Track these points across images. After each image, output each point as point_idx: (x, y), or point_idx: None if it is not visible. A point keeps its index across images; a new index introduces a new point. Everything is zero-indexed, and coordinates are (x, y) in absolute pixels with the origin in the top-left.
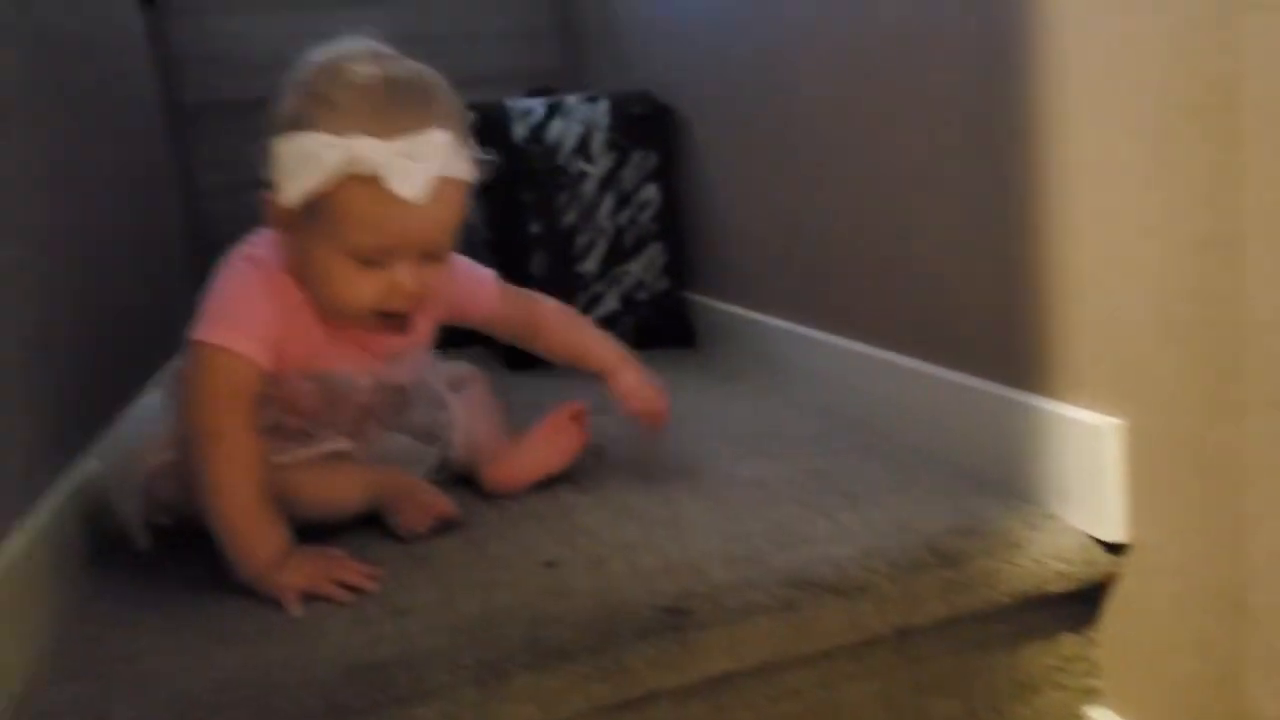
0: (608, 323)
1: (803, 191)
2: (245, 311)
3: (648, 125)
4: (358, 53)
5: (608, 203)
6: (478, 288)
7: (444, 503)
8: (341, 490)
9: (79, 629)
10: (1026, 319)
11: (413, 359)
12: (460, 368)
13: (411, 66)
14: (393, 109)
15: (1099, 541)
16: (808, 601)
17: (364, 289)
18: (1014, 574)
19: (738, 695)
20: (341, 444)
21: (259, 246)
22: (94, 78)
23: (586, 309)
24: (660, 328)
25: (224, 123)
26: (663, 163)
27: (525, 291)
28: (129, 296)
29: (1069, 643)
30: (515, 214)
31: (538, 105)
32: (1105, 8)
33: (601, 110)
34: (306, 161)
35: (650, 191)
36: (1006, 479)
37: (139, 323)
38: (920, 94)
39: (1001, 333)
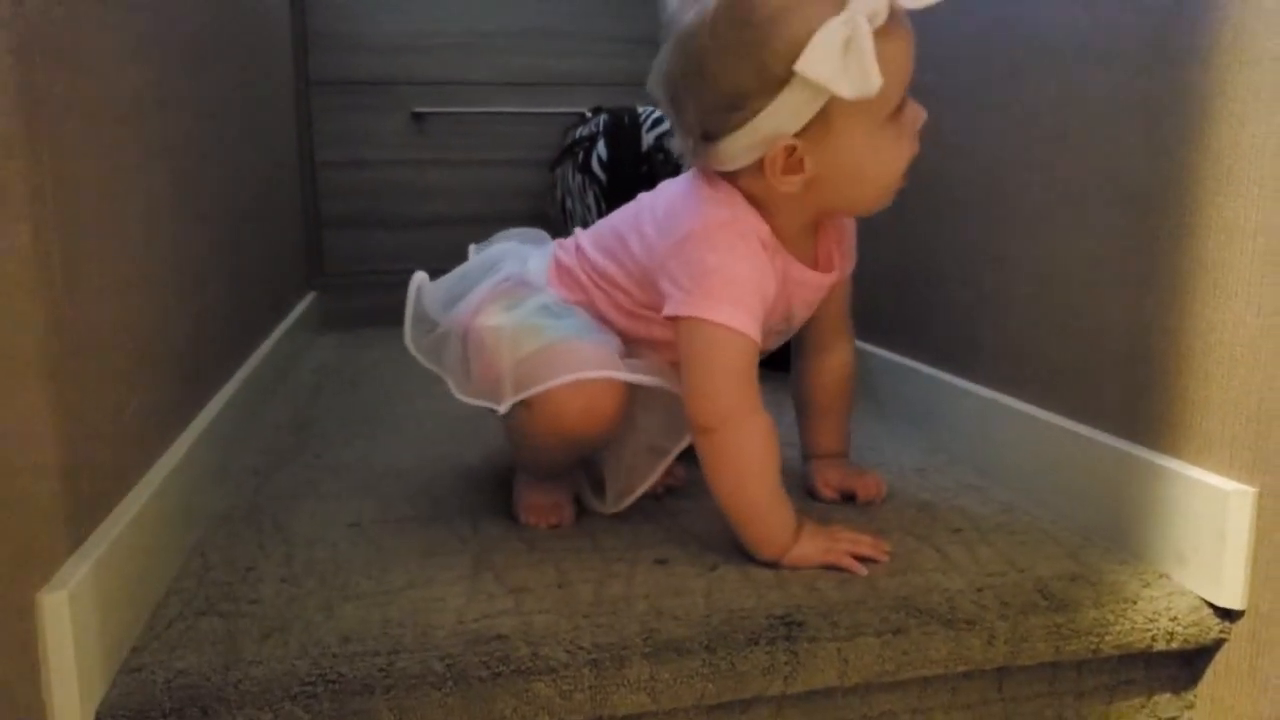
0: None
1: (920, 218)
2: (746, 289)
3: None
4: None
5: None
6: (850, 248)
7: None
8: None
9: (205, 573)
10: (1163, 377)
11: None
12: None
13: None
14: None
15: (1212, 606)
16: (916, 628)
17: (902, 147)
18: (1123, 627)
19: (834, 710)
20: None
21: (718, 205)
22: (243, 45)
23: None
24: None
25: (346, 99)
26: None
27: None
28: (253, 255)
29: (1166, 703)
30: None
31: None
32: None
33: None
34: (841, 53)
35: None
36: (1120, 533)
37: (260, 278)
38: (1063, 138)
39: (1132, 387)
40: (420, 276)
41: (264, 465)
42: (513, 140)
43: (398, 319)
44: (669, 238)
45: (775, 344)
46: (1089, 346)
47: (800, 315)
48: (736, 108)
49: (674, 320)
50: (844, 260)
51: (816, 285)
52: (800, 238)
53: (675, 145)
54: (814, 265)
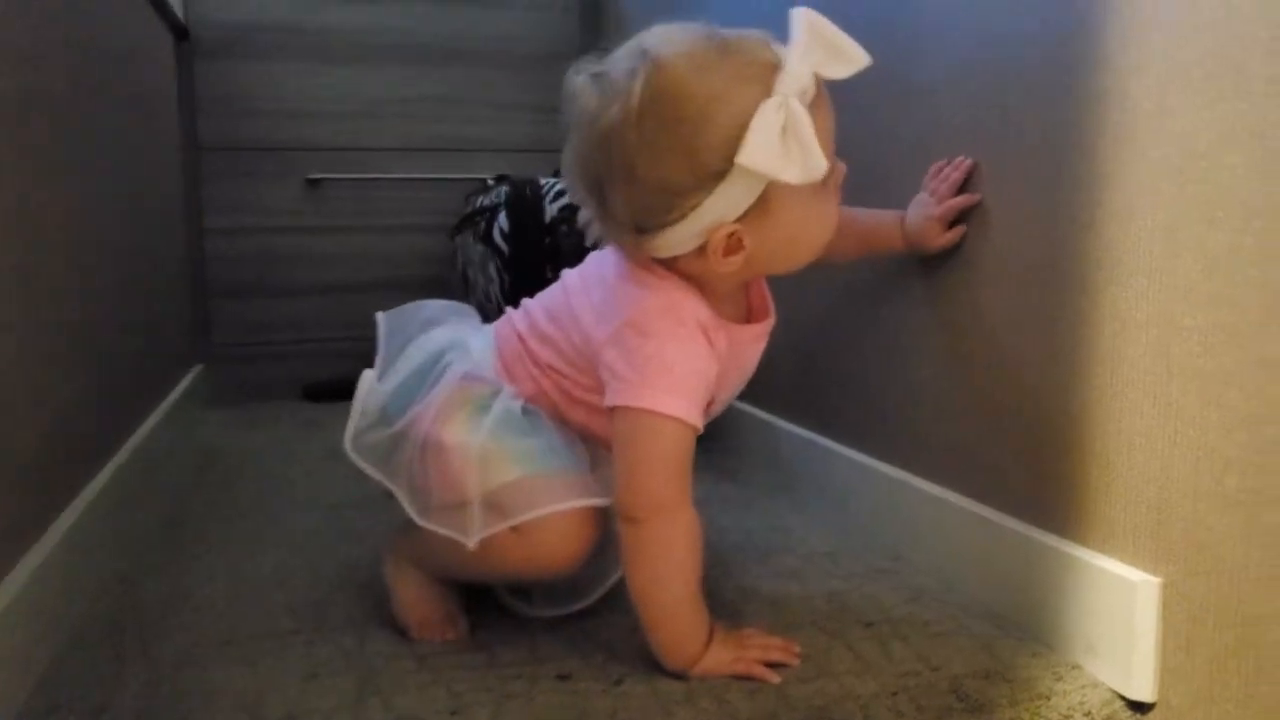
0: None
1: (828, 300)
2: (687, 376)
3: None
4: (684, 40)
5: None
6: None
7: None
8: None
9: (47, 718)
10: (1065, 464)
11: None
12: None
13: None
14: (746, 42)
15: (1124, 699)
16: None
17: (832, 208)
18: None
19: None
20: None
21: (655, 291)
22: (123, 106)
23: None
24: None
25: (237, 165)
26: None
27: None
28: (129, 331)
29: None
30: (540, 288)
31: None
32: (1166, 173)
33: None
34: (781, 140)
35: None
36: (1032, 621)
37: (137, 357)
38: (976, 227)
39: (1036, 472)
40: (370, 376)
41: (133, 571)
42: (412, 206)
43: (289, 392)
44: (606, 325)
45: (719, 412)
46: (992, 429)
47: (747, 372)
48: (672, 206)
49: (613, 410)
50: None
51: (756, 336)
52: (734, 297)
53: (594, 230)
54: (748, 318)
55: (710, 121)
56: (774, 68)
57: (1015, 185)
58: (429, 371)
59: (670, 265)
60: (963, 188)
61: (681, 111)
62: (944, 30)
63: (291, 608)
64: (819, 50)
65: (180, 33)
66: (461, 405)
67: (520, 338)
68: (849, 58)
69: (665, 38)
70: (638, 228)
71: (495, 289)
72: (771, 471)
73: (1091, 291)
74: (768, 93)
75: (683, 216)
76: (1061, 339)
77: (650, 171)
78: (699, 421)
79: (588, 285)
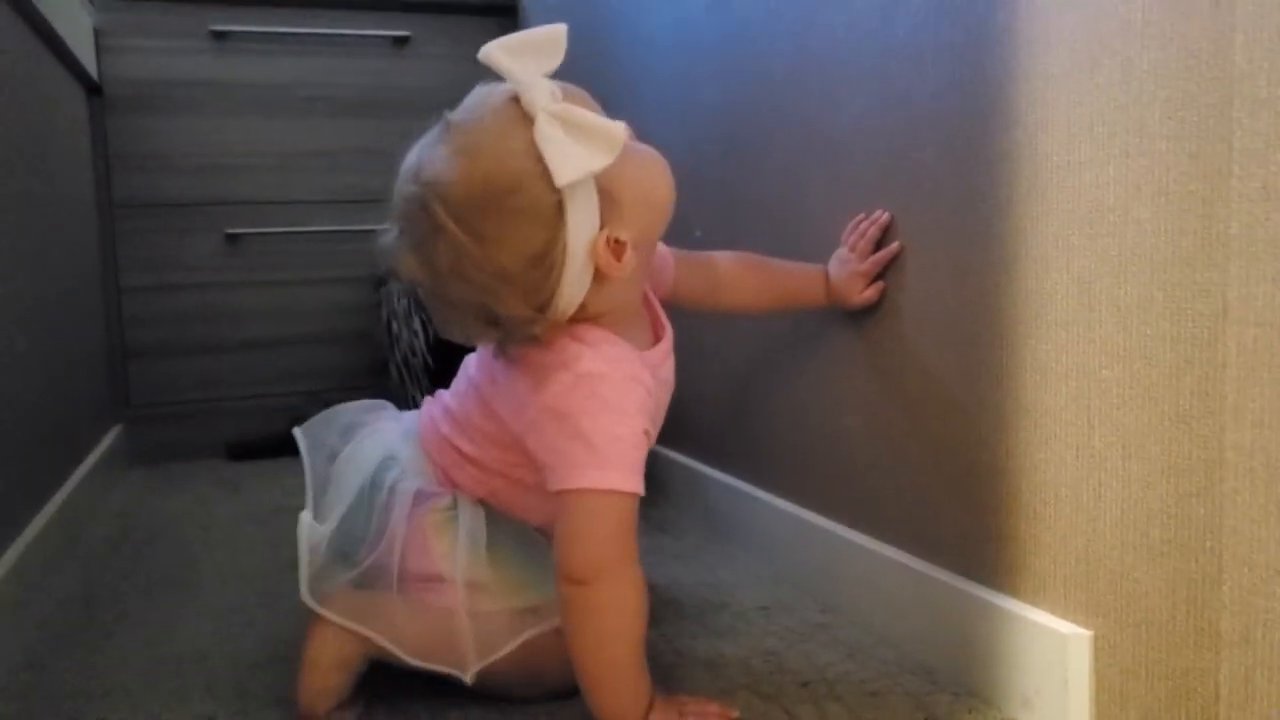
0: None
1: (756, 346)
2: (628, 442)
3: None
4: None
5: None
6: (663, 259)
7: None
8: None
9: None
10: (993, 515)
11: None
12: None
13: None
14: (478, 107)
15: None
16: None
17: (644, 151)
18: None
19: None
20: None
21: (577, 360)
22: (32, 163)
23: None
24: None
25: (154, 221)
26: None
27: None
28: (38, 397)
29: None
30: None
31: None
32: (1099, 229)
33: None
34: (572, 141)
35: None
36: (966, 675)
37: (48, 422)
38: (897, 278)
39: (967, 525)
40: (307, 519)
41: (44, 654)
42: (334, 259)
43: (210, 451)
44: (520, 414)
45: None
46: (920, 479)
47: (671, 390)
48: (545, 263)
49: (559, 493)
50: (659, 271)
51: (666, 353)
52: (639, 321)
53: (506, 349)
54: (656, 339)
55: (514, 178)
56: (514, 101)
57: (932, 237)
58: (372, 495)
59: (578, 320)
60: (880, 242)
61: (490, 199)
62: (856, 85)
63: (210, 688)
64: (528, 60)
65: (92, 88)
66: (433, 533)
67: (453, 447)
68: (550, 44)
69: (427, 161)
70: (539, 309)
71: (420, 343)
72: (702, 522)
73: (1012, 343)
74: (531, 121)
75: (561, 263)
76: (985, 390)
77: (511, 258)
78: (638, 484)
79: (492, 372)
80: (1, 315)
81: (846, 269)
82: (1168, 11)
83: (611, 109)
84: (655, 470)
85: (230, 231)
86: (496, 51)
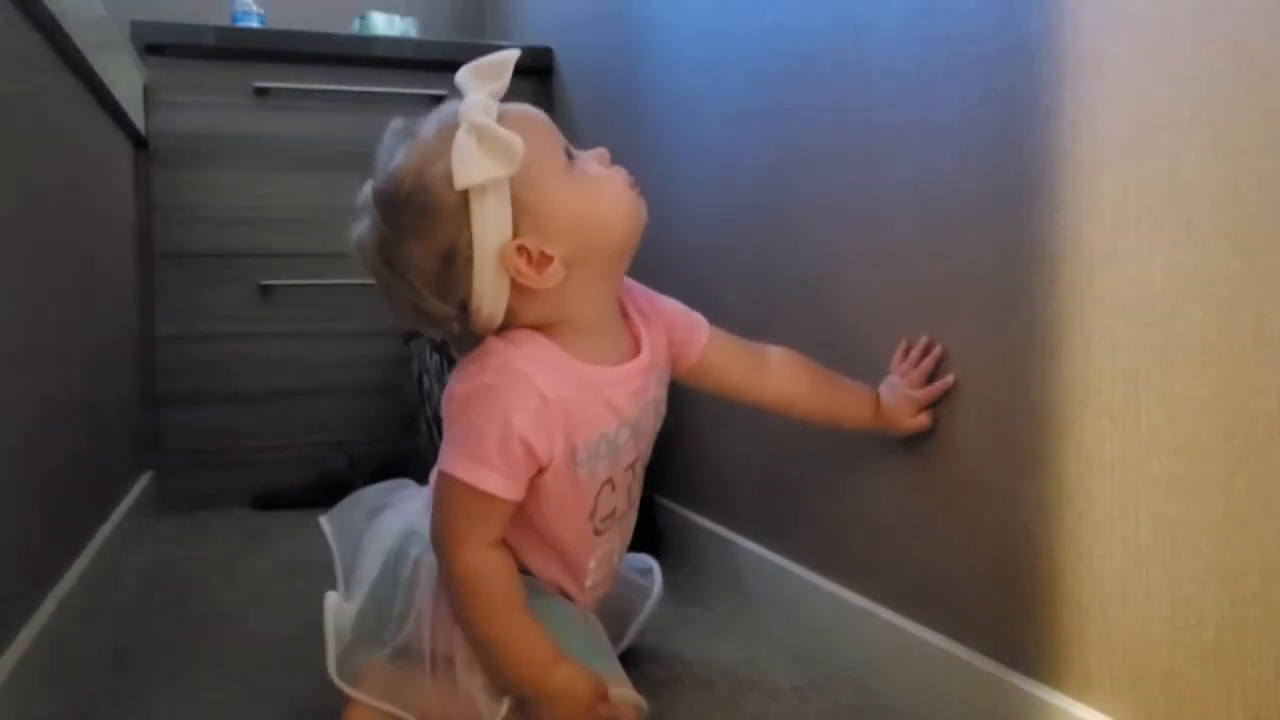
0: None
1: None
2: (485, 440)
3: None
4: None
5: None
6: (694, 323)
7: None
8: None
9: None
10: (1035, 603)
11: (661, 390)
12: None
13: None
14: (431, 116)
15: None
16: None
17: (601, 178)
18: None
19: None
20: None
21: (479, 366)
22: (83, 217)
23: None
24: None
25: (189, 272)
26: None
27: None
28: (81, 445)
29: None
30: None
31: None
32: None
33: None
34: (479, 149)
35: None
36: None
37: (83, 475)
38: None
39: (1007, 612)
40: (335, 598)
41: None
42: (365, 312)
43: (239, 500)
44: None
45: (637, 464)
46: (959, 561)
47: (631, 417)
48: (453, 262)
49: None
50: (687, 335)
51: (629, 374)
52: (610, 332)
53: (454, 345)
54: (635, 354)
55: (426, 177)
56: (454, 114)
57: (972, 319)
58: (396, 569)
59: (516, 327)
60: (933, 374)
61: (406, 195)
62: (895, 164)
63: None
64: (482, 80)
65: (139, 142)
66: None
67: None
68: (499, 67)
69: (382, 161)
70: (458, 308)
71: None
72: (734, 593)
73: (1055, 430)
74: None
75: (469, 264)
76: (1026, 476)
77: (422, 253)
78: (481, 479)
79: None
80: (46, 369)
81: (898, 394)
82: (1216, 109)
83: (645, 171)
84: (687, 536)
85: (264, 283)
86: (462, 72)
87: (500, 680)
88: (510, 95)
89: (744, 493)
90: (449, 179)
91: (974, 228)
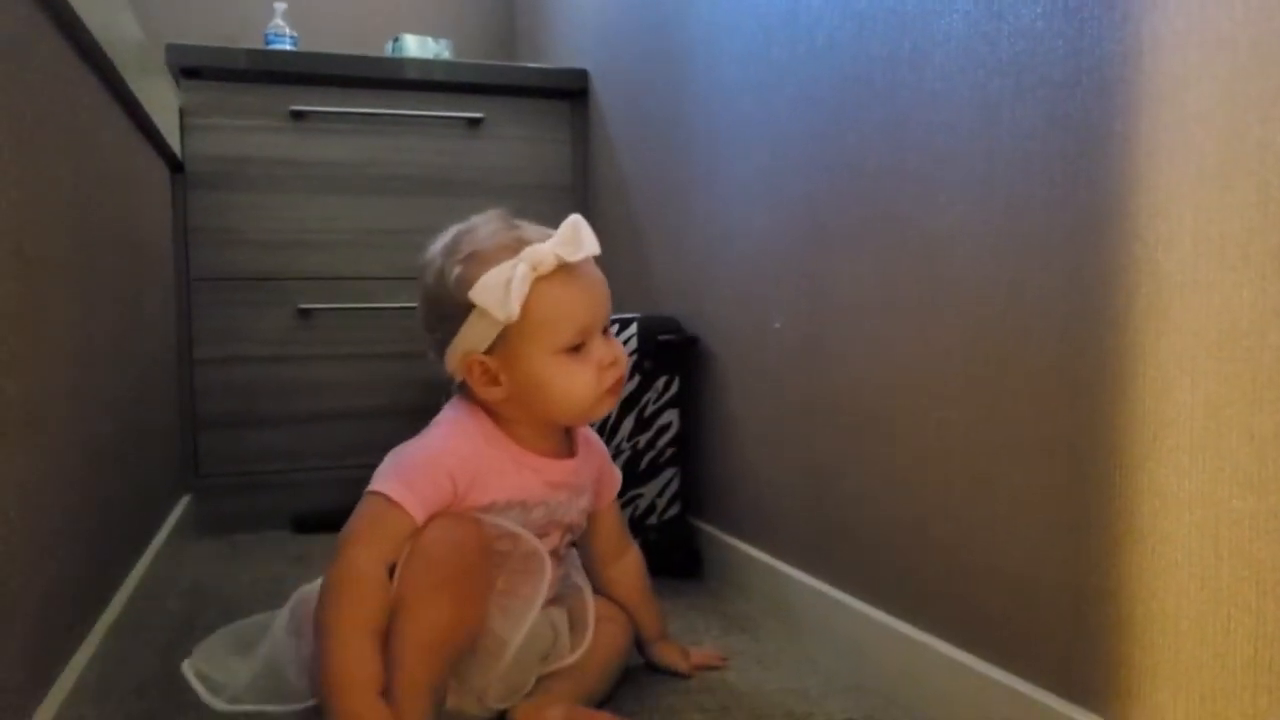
0: None
1: (841, 445)
2: (419, 466)
3: (674, 352)
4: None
5: (628, 424)
6: (613, 481)
7: None
8: None
9: None
10: (1103, 641)
11: (580, 498)
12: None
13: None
14: (521, 229)
15: None
16: None
17: (584, 377)
18: None
19: None
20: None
21: (443, 420)
22: (121, 242)
23: None
24: (668, 554)
25: (228, 295)
26: (684, 389)
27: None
28: (126, 472)
29: None
30: None
31: None
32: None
33: (630, 332)
34: (500, 290)
35: (670, 416)
36: None
37: (132, 496)
38: (1002, 383)
39: (1072, 647)
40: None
41: None
42: (402, 334)
43: (278, 522)
44: None
45: (562, 539)
46: (1020, 595)
47: (572, 506)
48: (444, 327)
49: None
50: (603, 484)
51: (556, 467)
52: (550, 438)
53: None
54: (571, 455)
55: (471, 268)
56: (519, 239)
57: (1040, 349)
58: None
59: (473, 399)
60: None
61: (438, 265)
62: (957, 189)
63: None
64: (568, 242)
65: (176, 165)
66: None
67: None
68: (583, 244)
69: (453, 235)
70: (438, 343)
71: None
72: (784, 623)
73: (1126, 464)
74: (515, 252)
75: (451, 336)
76: (1096, 510)
77: (438, 297)
78: (398, 493)
79: None
80: (95, 397)
81: (672, 659)
82: None
83: (689, 193)
84: (718, 549)
85: (302, 306)
86: (572, 219)
87: (320, 679)
88: (544, 117)
89: (790, 520)
90: (471, 284)
91: (1041, 256)
